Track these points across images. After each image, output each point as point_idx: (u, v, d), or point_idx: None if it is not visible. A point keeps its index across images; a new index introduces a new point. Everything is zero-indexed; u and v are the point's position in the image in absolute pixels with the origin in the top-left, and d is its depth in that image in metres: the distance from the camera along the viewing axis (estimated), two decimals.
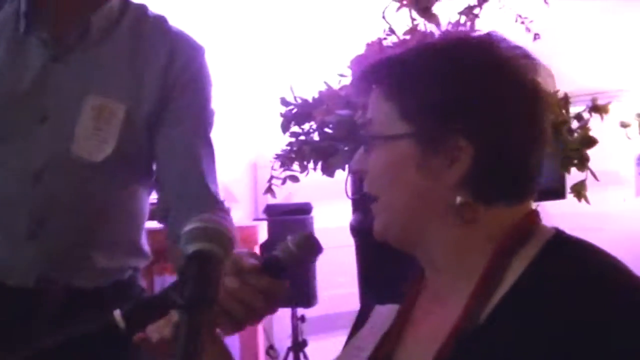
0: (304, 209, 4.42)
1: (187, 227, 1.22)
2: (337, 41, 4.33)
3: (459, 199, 1.25)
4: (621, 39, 5.39)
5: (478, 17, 2.30)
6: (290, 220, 4.27)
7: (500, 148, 1.25)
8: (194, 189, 1.85)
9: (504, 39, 1.31)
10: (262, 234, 4.08)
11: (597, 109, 2.20)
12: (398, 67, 1.30)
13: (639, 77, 4.67)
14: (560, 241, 1.26)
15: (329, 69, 2.58)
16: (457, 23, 2.29)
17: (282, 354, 4.43)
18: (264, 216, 4.39)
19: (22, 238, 1.83)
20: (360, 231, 2.38)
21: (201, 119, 1.93)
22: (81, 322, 1.29)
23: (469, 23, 2.32)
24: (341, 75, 2.18)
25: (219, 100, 1.97)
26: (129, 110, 1.84)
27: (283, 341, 4.49)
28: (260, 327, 4.10)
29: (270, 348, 4.45)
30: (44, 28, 1.85)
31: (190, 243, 1.20)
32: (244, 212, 4.58)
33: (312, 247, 1.34)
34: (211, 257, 1.18)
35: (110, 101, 1.83)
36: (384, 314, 1.40)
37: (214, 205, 1.85)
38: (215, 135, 1.96)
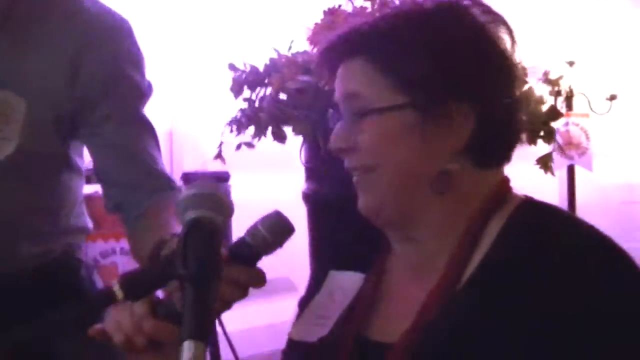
0: (222, 177, 4.37)
1: (186, 193, 1.18)
2: (282, 13, 4.29)
3: (454, 165, 1.27)
4: (538, 17, 5.50)
5: None
6: None
7: (495, 112, 1.28)
8: (146, 177, 1.77)
9: (475, 3, 1.33)
10: None
11: (550, 82, 2.24)
12: (386, 37, 1.28)
13: (547, 53, 4.79)
14: (531, 205, 1.30)
15: (273, 37, 2.56)
16: None
17: None
18: (181, 184, 4.32)
19: None
20: (313, 199, 2.37)
21: (136, 104, 1.81)
22: (78, 298, 1.23)
23: None
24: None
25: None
26: (30, 104, 1.69)
27: None
28: None
29: None
30: None
31: (191, 209, 1.16)
32: None
33: (285, 230, 1.24)
34: (214, 224, 1.15)
35: (9, 95, 1.68)
36: (346, 281, 1.38)
37: (169, 185, 1.79)
38: None
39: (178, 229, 1.41)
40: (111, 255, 3.99)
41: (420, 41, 1.27)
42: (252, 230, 1.23)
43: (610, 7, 5.96)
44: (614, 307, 1.13)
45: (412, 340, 1.22)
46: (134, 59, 1.80)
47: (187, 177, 4.39)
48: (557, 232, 1.22)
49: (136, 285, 1.19)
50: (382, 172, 1.28)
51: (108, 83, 1.73)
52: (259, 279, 1.25)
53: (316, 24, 2.18)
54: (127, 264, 3.32)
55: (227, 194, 3.99)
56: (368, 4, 2.22)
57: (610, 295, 1.14)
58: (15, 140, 1.69)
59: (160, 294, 1.26)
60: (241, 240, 1.24)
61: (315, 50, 2.16)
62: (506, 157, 1.33)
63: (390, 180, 1.28)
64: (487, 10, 1.32)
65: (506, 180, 1.33)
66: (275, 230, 1.22)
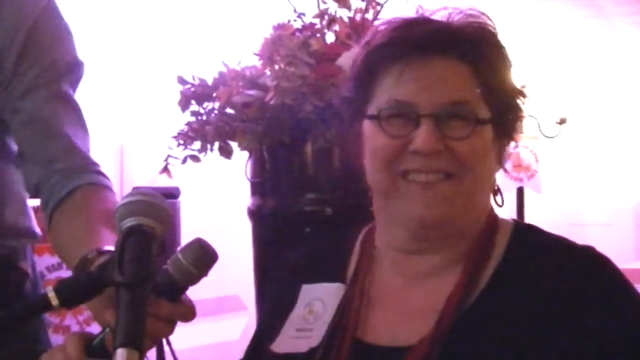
0: (172, 194, 4.34)
1: (124, 201, 1.17)
2: (229, 23, 4.30)
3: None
4: None
5: (382, 6, 2.32)
6: None
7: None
8: (65, 153, 1.65)
9: None
10: None
11: None
12: (481, 44, 1.27)
13: None
14: (524, 227, 1.36)
15: (223, 51, 2.56)
16: (363, 10, 2.30)
17: None
18: None
19: None
20: (257, 214, 2.37)
21: (59, 80, 1.69)
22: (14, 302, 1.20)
23: (372, 11, 2.34)
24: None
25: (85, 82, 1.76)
26: None
27: None
28: None
29: None
30: None
31: (128, 217, 1.16)
32: None
33: (208, 259, 1.17)
34: (150, 231, 1.15)
35: None
36: (324, 293, 1.37)
37: (87, 168, 1.70)
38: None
39: (105, 238, 1.38)
40: (58, 270, 3.93)
41: (504, 52, 1.29)
42: (174, 262, 1.17)
43: (562, 32, 6.04)
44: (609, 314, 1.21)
45: (432, 345, 1.23)
46: (58, 34, 1.71)
47: None
48: (554, 250, 1.30)
49: (72, 292, 1.18)
50: (464, 181, 1.27)
51: (24, 56, 1.65)
52: (187, 313, 1.19)
53: (265, 38, 2.18)
54: None
55: (176, 208, 3.90)
56: (317, 20, 2.23)
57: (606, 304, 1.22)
58: None
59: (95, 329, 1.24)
60: (164, 273, 1.17)
61: (263, 64, 2.17)
62: None
63: (471, 191, 1.28)
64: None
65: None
66: (197, 259, 1.16)
